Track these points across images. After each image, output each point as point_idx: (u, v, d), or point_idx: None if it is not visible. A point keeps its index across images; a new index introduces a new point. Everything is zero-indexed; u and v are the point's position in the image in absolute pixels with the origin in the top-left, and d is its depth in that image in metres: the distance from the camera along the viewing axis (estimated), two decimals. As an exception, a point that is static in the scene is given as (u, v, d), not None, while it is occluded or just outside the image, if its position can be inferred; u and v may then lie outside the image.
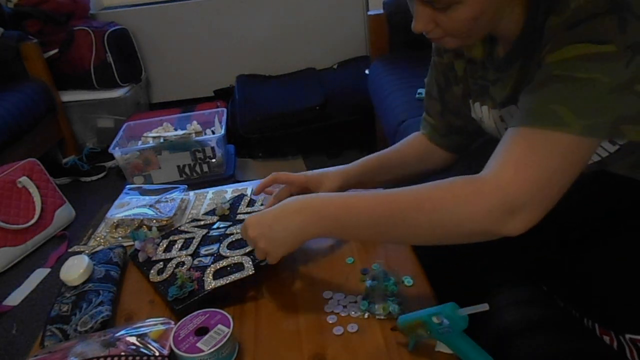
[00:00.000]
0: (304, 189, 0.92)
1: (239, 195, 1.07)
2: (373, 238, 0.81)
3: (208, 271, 0.82)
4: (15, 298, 1.71)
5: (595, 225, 0.74)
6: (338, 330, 0.73)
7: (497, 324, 0.78)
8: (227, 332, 0.67)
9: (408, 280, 0.81)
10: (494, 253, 0.83)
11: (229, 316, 0.71)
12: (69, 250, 1.04)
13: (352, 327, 0.73)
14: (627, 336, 0.67)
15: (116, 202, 1.17)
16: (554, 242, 0.81)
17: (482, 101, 0.85)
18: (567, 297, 0.78)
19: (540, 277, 0.83)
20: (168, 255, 0.91)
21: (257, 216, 0.74)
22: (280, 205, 0.73)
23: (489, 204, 0.60)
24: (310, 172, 0.94)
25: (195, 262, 0.87)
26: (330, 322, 0.75)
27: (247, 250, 0.85)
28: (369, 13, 2.26)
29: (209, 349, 0.65)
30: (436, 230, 0.64)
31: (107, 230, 1.06)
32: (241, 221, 0.96)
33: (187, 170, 2.14)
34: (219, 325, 0.69)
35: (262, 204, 1.01)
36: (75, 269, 0.86)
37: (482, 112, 0.85)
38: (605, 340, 0.71)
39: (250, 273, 0.80)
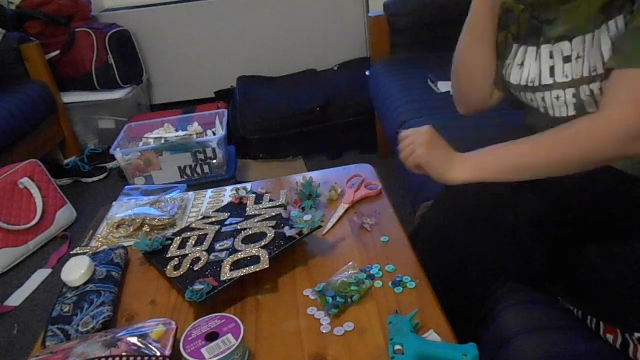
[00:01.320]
0: None
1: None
2: (516, 175, 0.81)
3: (225, 264, 0.84)
4: (17, 299, 1.71)
5: (604, 224, 0.74)
6: (338, 331, 0.74)
7: (499, 325, 0.78)
8: (233, 345, 0.67)
9: (410, 283, 0.81)
10: (496, 254, 0.84)
11: (242, 327, 0.70)
12: (71, 251, 1.05)
13: (349, 326, 0.74)
14: (637, 335, 0.67)
15: (116, 203, 1.18)
16: (561, 240, 0.81)
17: (530, 42, 0.87)
18: (573, 296, 0.78)
19: (544, 276, 0.83)
20: (183, 252, 0.92)
21: (431, 130, 0.85)
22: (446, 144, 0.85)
23: (616, 136, 0.68)
24: None
25: (212, 257, 0.88)
26: (324, 323, 0.76)
27: (262, 244, 0.87)
28: (370, 15, 2.26)
29: (211, 357, 0.65)
30: (576, 161, 0.73)
31: (109, 231, 1.06)
32: (251, 217, 0.97)
33: (188, 171, 2.14)
34: (229, 335, 0.68)
35: (270, 200, 1.02)
36: (77, 270, 0.86)
37: (527, 54, 0.87)
38: (609, 338, 0.71)
39: (266, 266, 0.82)
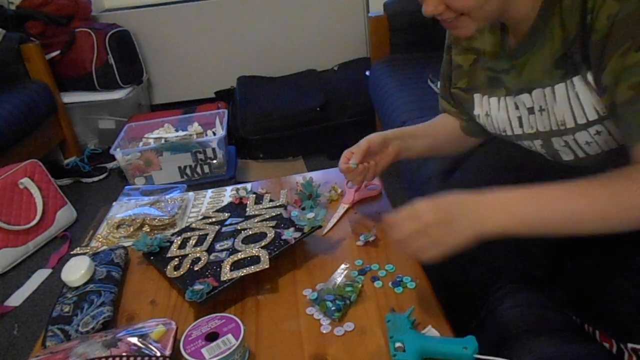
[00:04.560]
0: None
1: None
2: (560, 230, 0.66)
3: (225, 264, 0.84)
4: (17, 299, 1.71)
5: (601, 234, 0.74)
6: (338, 331, 0.74)
7: (499, 326, 0.78)
8: (233, 345, 0.67)
9: (410, 283, 0.81)
10: (496, 256, 0.84)
11: (242, 326, 0.70)
12: (71, 251, 1.05)
13: (349, 326, 0.74)
14: (630, 345, 0.67)
15: (116, 203, 1.18)
16: (558, 248, 0.81)
17: (490, 93, 0.86)
18: (569, 303, 0.78)
19: (542, 283, 0.83)
20: (183, 252, 0.92)
21: (432, 200, 0.67)
22: (453, 197, 0.67)
23: None
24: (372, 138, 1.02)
25: (212, 257, 0.88)
26: (324, 323, 0.76)
27: (262, 244, 0.87)
28: (370, 14, 2.26)
29: (211, 357, 0.65)
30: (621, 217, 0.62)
31: (109, 231, 1.06)
32: (251, 217, 0.97)
33: (188, 171, 2.14)
34: (229, 335, 0.68)
35: (270, 200, 1.02)
36: (77, 270, 0.86)
37: (490, 105, 0.86)
38: (605, 346, 0.71)
39: (266, 266, 0.82)
